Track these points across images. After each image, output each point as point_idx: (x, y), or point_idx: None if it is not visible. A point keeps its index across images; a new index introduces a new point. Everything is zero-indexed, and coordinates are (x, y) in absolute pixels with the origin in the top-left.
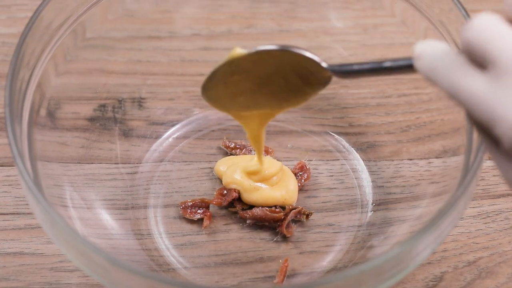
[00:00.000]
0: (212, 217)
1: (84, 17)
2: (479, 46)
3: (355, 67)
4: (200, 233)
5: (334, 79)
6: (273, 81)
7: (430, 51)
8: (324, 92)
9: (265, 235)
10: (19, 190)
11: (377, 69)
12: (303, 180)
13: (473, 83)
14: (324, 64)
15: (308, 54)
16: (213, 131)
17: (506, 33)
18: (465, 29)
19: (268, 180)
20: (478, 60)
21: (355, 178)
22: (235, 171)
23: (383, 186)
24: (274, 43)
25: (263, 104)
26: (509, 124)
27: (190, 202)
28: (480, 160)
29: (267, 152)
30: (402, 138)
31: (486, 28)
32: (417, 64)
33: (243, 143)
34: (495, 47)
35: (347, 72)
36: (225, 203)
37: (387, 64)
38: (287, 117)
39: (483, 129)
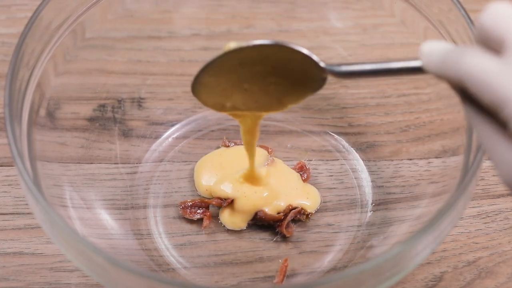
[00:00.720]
0: (211, 217)
1: (83, 17)
2: (494, 29)
3: (355, 68)
4: (200, 233)
5: (333, 79)
6: (266, 79)
7: (438, 46)
8: (323, 92)
9: (264, 235)
10: (19, 190)
11: (379, 71)
12: (302, 180)
13: (484, 64)
14: (322, 64)
15: (305, 51)
16: (212, 131)
17: None
18: (481, 15)
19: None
20: (492, 46)
21: (355, 178)
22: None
23: (382, 186)
24: (271, 39)
25: (253, 104)
26: None
27: (189, 202)
28: (479, 160)
29: (267, 151)
30: (401, 138)
31: (502, 13)
32: (425, 60)
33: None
34: (510, 30)
35: (346, 73)
36: (224, 204)
37: (390, 65)
38: (286, 117)
39: (487, 116)
